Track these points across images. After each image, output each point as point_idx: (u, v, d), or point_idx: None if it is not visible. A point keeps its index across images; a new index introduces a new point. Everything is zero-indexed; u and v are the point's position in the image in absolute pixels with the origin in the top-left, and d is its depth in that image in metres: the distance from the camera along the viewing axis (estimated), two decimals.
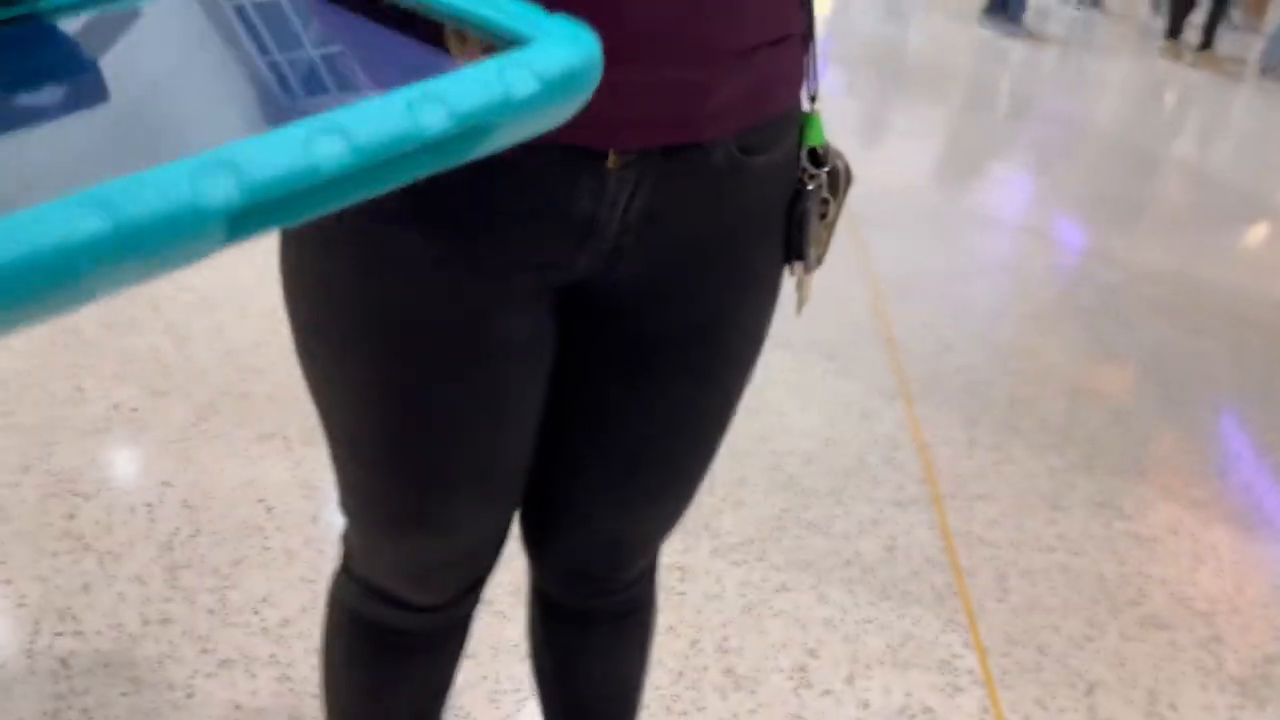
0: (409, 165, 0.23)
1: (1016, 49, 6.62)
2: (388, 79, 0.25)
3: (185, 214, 0.19)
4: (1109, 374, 2.47)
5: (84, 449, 1.66)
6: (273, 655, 1.35)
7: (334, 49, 0.28)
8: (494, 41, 0.26)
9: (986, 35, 6.81)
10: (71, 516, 1.52)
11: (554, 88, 0.24)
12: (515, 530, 0.86)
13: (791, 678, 1.44)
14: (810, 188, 0.70)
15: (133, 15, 0.30)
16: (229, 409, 1.80)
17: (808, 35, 0.68)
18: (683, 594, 1.56)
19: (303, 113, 0.22)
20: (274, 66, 0.28)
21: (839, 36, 5.74)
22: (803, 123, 0.71)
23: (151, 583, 1.43)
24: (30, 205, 0.18)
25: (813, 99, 0.71)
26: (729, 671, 1.44)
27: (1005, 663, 1.54)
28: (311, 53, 0.28)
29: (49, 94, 0.25)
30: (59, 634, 1.33)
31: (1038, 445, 2.10)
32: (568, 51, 0.25)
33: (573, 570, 0.88)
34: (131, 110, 0.25)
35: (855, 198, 3.35)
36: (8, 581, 1.40)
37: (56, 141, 0.24)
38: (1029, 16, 7.09)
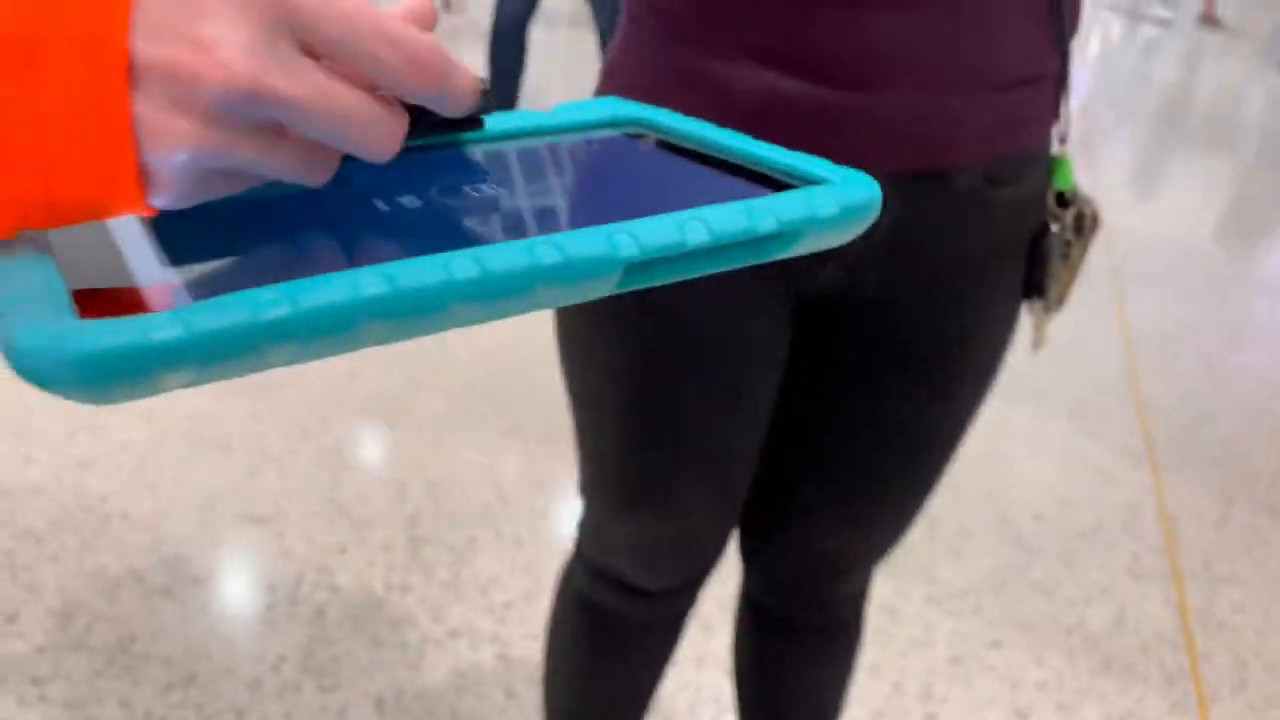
0: (741, 254, 0.32)
1: None
2: (720, 197, 0.35)
3: (605, 259, 0.29)
4: None
5: (352, 426, 1.85)
6: (495, 633, 1.45)
7: (691, 186, 0.38)
8: (808, 182, 0.36)
9: None
10: (336, 484, 1.70)
11: (847, 213, 0.34)
12: (731, 547, 0.90)
13: None
14: (1055, 228, 0.71)
15: (536, 149, 0.41)
16: (477, 404, 1.95)
17: (1061, 78, 0.68)
18: (890, 635, 1.54)
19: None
20: (634, 191, 0.37)
21: (1115, 78, 5.43)
22: (1051, 164, 0.72)
23: (397, 552, 1.58)
24: (493, 245, 0.28)
25: (1062, 141, 0.72)
26: (930, 719, 1.41)
27: None
28: (667, 186, 0.38)
29: (478, 195, 0.35)
30: (317, 586, 1.50)
31: None
32: (859, 190, 0.34)
33: (785, 579, 0.91)
34: (556, 202, 0.35)
35: (1119, 250, 3.17)
36: (281, 535, 1.59)
37: (487, 213, 0.34)
38: None
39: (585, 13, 6.08)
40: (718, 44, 0.64)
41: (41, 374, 0.22)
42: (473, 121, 0.34)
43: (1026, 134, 0.68)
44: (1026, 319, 0.81)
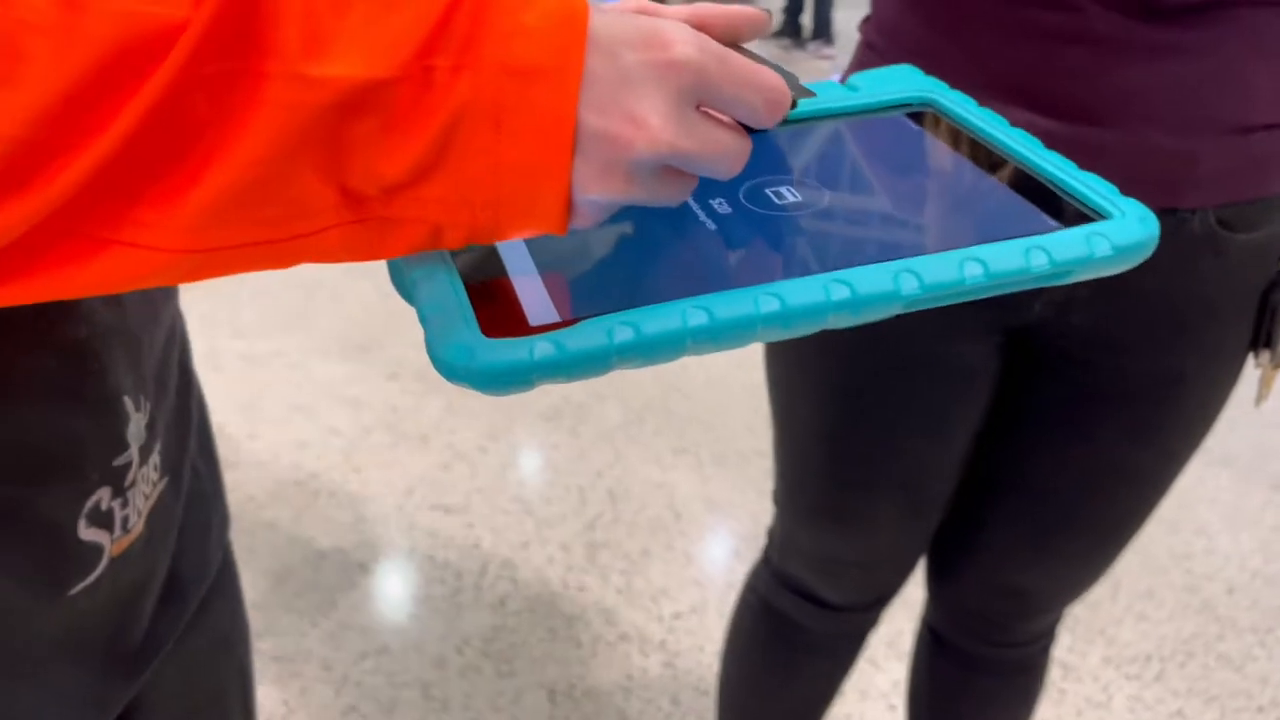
0: (1010, 287, 0.34)
1: None
2: (998, 223, 0.37)
3: (889, 295, 0.33)
4: None
5: (537, 431, 1.94)
6: (663, 642, 1.50)
7: (973, 196, 0.39)
8: (1086, 212, 0.36)
9: None
10: (521, 484, 1.79)
11: (1121, 253, 0.34)
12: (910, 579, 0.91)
13: None
14: None
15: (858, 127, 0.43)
16: (654, 419, 2.01)
17: None
18: (1064, 691, 1.50)
19: (947, 242, 0.35)
20: (927, 195, 0.39)
21: None
22: None
23: (574, 553, 1.65)
24: (792, 281, 0.32)
25: None
26: None
27: None
28: (949, 191, 0.40)
29: (791, 186, 0.39)
30: (501, 577, 1.58)
31: None
32: (1137, 229, 0.35)
33: (970, 612, 0.91)
34: (847, 205, 0.38)
35: None
36: (470, 526, 1.68)
37: (797, 222, 0.38)
38: None
39: None
40: (952, 72, 0.66)
41: (453, 375, 0.31)
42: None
43: (1270, 180, 0.67)
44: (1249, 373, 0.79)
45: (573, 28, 0.29)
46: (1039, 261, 0.34)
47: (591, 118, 0.30)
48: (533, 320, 0.32)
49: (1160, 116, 0.62)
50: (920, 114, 0.43)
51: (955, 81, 0.66)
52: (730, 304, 0.32)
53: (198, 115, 0.27)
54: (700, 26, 0.37)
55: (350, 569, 1.58)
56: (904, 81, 0.44)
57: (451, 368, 0.30)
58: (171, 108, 0.26)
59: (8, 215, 0.26)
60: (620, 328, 0.31)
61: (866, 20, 0.74)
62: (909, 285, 0.33)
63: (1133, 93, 0.62)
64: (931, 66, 0.67)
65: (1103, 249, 0.34)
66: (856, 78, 0.45)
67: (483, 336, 0.31)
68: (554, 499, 1.76)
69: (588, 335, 0.31)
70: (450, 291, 0.33)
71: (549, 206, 0.30)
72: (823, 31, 4.69)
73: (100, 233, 0.28)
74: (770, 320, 0.32)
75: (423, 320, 0.32)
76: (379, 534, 1.65)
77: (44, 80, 0.25)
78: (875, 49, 0.72)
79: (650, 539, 1.69)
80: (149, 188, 0.27)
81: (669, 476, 1.85)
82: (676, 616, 1.54)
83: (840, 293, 0.32)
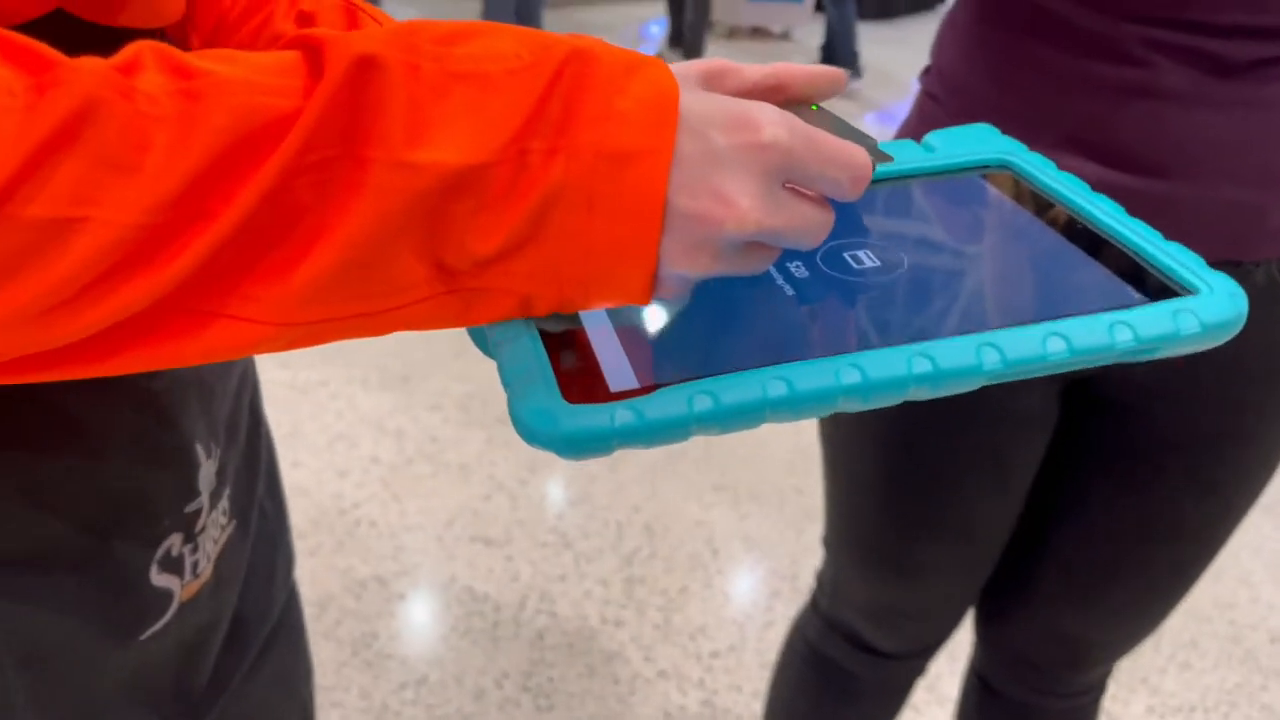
0: (1093, 362, 0.33)
1: None
2: (1080, 294, 0.36)
3: (972, 370, 0.33)
4: None
5: (576, 465, 1.95)
6: (701, 680, 1.49)
7: (1054, 264, 0.39)
8: (1172, 286, 0.36)
9: None
10: (560, 517, 1.80)
11: (1209, 330, 0.33)
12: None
13: None
14: None
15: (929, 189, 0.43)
16: (693, 455, 2.01)
17: None
18: None
19: (1028, 313, 0.34)
20: (1007, 269, 0.39)
21: None
22: None
23: (612, 587, 1.65)
24: (873, 353, 0.32)
25: None
26: None
27: None
28: (1029, 258, 0.39)
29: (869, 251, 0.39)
30: (539, 610, 1.59)
31: None
32: (1226, 305, 0.34)
33: (1020, 658, 0.90)
34: (924, 270, 0.38)
35: None
36: (510, 558, 1.69)
37: (872, 287, 0.37)
38: None
39: None
40: (1015, 125, 0.67)
41: (535, 440, 0.31)
42: None
43: None
44: None
45: (664, 111, 0.30)
46: (1124, 338, 0.33)
47: (681, 199, 0.30)
48: (613, 386, 0.33)
49: (1230, 170, 0.63)
50: (997, 175, 0.43)
51: (1019, 133, 0.67)
52: (811, 375, 0.32)
53: (305, 198, 0.28)
54: (780, 86, 0.38)
55: (390, 599, 1.59)
56: (981, 142, 0.44)
57: (534, 432, 0.31)
58: (282, 192, 0.28)
59: (127, 294, 0.27)
60: (700, 397, 0.31)
61: (927, 71, 0.76)
62: (991, 360, 0.33)
63: (1203, 146, 0.63)
64: (995, 117, 0.68)
65: (1190, 326, 0.33)
66: (933, 136, 0.45)
67: (564, 402, 0.31)
68: (592, 533, 1.77)
69: (667, 404, 0.31)
70: (532, 356, 0.33)
71: (635, 282, 0.31)
72: (849, 64, 4.73)
73: (208, 307, 0.29)
74: (851, 392, 0.32)
75: (505, 383, 0.33)
76: (419, 564, 1.66)
77: (166, 169, 0.27)
78: (936, 100, 0.73)
79: (688, 576, 1.69)
80: (257, 265, 0.28)
81: (708, 514, 1.85)
82: (714, 655, 1.54)
83: (922, 366, 0.32)
